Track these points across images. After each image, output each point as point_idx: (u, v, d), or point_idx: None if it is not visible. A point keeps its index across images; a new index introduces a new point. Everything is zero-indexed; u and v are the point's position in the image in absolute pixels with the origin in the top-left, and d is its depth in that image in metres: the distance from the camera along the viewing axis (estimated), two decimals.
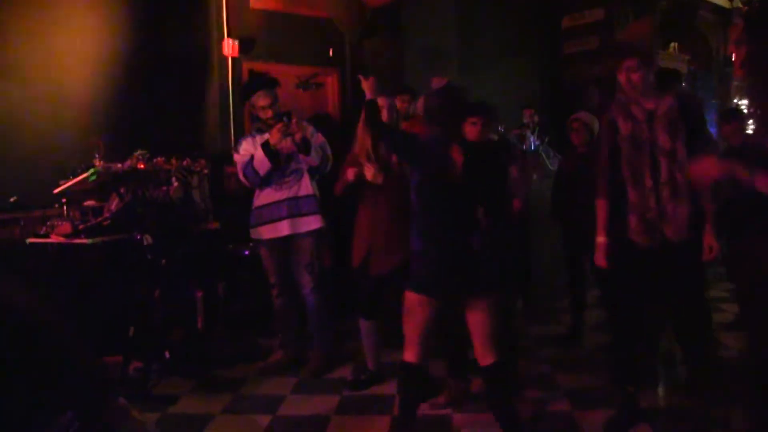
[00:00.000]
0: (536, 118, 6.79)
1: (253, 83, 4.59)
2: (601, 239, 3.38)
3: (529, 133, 6.65)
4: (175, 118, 5.50)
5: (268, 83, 4.49)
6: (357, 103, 5.29)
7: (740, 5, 9.23)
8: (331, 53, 6.43)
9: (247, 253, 5.11)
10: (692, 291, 3.37)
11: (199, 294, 4.75)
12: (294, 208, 4.34)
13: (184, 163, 4.75)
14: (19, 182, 4.76)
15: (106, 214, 4.44)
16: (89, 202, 4.59)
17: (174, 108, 5.53)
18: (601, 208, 3.41)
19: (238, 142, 4.56)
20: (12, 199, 4.65)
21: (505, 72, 7.28)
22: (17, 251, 4.38)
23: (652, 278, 3.32)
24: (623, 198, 3.29)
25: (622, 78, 3.28)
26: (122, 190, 4.43)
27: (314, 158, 4.26)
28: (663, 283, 3.32)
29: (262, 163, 4.23)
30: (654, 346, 3.61)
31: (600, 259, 3.39)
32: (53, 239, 4.31)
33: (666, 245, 3.22)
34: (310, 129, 4.38)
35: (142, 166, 4.45)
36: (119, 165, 4.41)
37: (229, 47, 5.86)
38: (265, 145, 4.19)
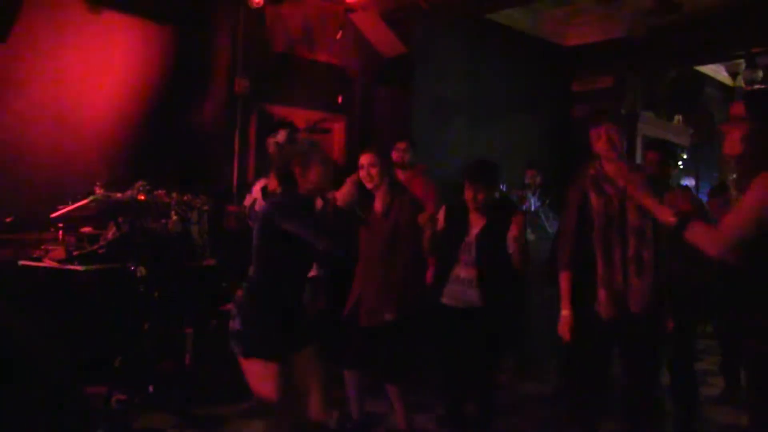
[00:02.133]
0: (538, 179, 6.81)
1: (276, 124, 4.66)
2: (565, 312, 3.43)
3: (530, 193, 6.66)
4: (181, 152, 5.51)
5: (289, 127, 4.57)
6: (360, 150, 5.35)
7: (742, 84, 9.38)
8: (340, 100, 6.49)
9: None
10: (649, 363, 3.42)
11: (189, 330, 4.71)
12: None
13: (185, 198, 4.76)
14: (17, 203, 4.73)
15: (102, 243, 4.42)
16: (86, 229, 4.57)
17: (181, 142, 5.54)
18: (565, 279, 3.46)
19: (254, 181, 4.57)
20: (8, 219, 4.63)
21: (512, 130, 7.37)
22: (9, 273, 4.35)
23: (610, 350, 3.39)
24: (591, 270, 3.34)
25: (600, 143, 3.36)
26: (120, 220, 4.43)
27: None
28: (624, 355, 3.39)
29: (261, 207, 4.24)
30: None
31: (564, 331, 3.42)
32: (46, 263, 4.29)
33: (629, 318, 3.28)
34: None
35: (142, 197, 4.45)
36: (119, 194, 4.40)
37: (241, 86, 5.91)
38: (264, 190, 4.21)
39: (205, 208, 4.88)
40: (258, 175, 5.23)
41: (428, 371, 4.85)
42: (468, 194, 3.82)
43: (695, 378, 4.09)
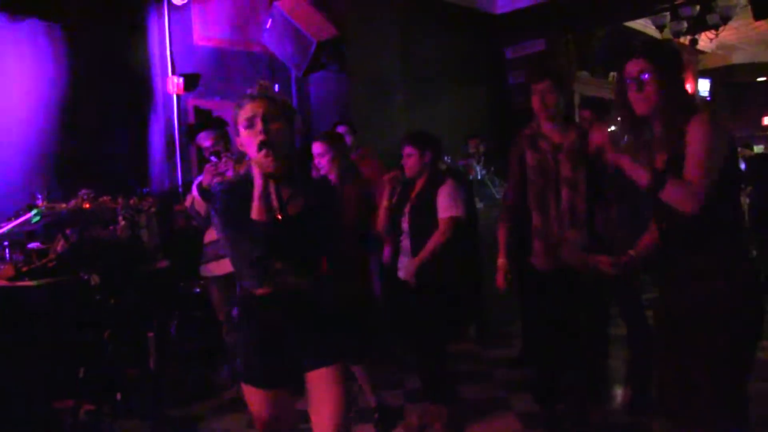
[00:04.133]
0: (482, 148, 6.92)
1: (197, 123, 4.64)
2: (501, 260, 3.59)
3: (474, 162, 6.77)
4: (121, 156, 5.46)
5: (214, 123, 4.55)
6: (303, 139, 5.37)
7: (670, 36, 9.62)
8: (276, 89, 6.45)
9: (198, 290, 5.07)
10: (588, 308, 3.53)
11: (151, 334, 4.69)
12: None
13: (131, 201, 4.72)
14: None
15: (52, 255, 4.37)
16: (33, 244, 4.51)
17: (120, 147, 5.49)
18: (502, 231, 3.64)
19: (193, 182, 4.57)
20: None
21: (451, 102, 7.43)
22: None
23: (553, 300, 3.51)
24: (528, 223, 3.49)
25: (535, 101, 3.48)
26: (68, 231, 4.38)
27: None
28: (563, 304, 3.50)
29: (200, 203, 4.23)
30: (595, 367, 3.74)
31: (500, 280, 3.57)
32: None
33: (563, 268, 3.41)
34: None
35: (87, 206, 4.42)
36: (64, 205, 4.36)
37: (174, 85, 5.86)
38: (199, 186, 4.22)
39: (153, 210, 4.85)
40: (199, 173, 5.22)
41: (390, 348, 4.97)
42: (406, 161, 3.95)
43: (647, 324, 4.27)
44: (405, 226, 3.93)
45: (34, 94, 5.24)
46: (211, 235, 4.43)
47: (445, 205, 3.83)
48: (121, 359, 4.40)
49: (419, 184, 3.95)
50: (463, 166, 6.64)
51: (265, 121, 2.34)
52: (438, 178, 3.96)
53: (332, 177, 4.06)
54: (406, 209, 3.95)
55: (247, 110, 2.39)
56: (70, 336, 4.22)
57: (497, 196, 6.30)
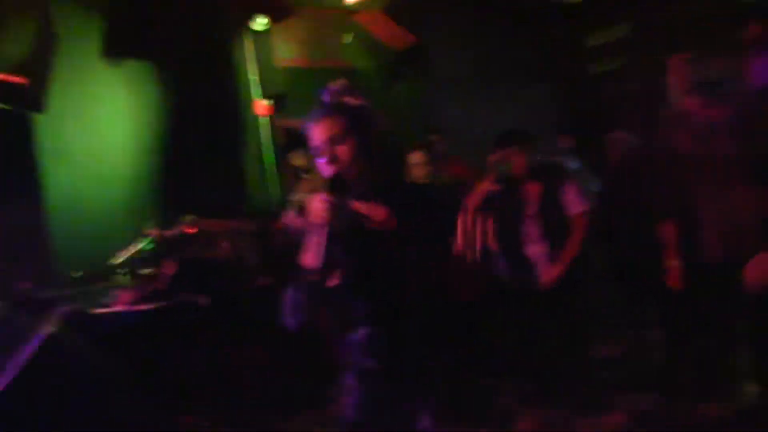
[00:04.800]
0: (571, 143, 6.81)
1: (288, 144, 4.78)
2: (675, 262, 3.28)
3: (565, 158, 6.67)
4: (220, 181, 5.71)
5: (305, 142, 4.69)
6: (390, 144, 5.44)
7: None
8: (355, 100, 6.57)
9: None
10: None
11: (259, 349, 4.87)
12: None
13: (232, 224, 4.94)
14: (80, 258, 5.02)
15: (163, 280, 4.63)
16: (146, 270, 4.79)
17: (218, 171, 5.75)
18: (670, 228, 3.27)
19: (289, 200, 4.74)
20: (76, 275, 4.90)
21: (532, 99, 7.35)
22: (83, 323, 4.58)
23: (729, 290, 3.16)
24: (691, 215, 3.14)
25: (676, 75, 3.22)
26: (176, 256, 4.64)
27: None
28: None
29: (296, 220, 4.38)
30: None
31: (675, 281, 3.29)
32: (117, 308, 4.51)
33: (737, 260, 3.08)
34: None
35: (192, 230, 4.65)
36: (170, 232, 4.61)
37: (262, 107, 6.08)
38: (294, 204, 4.36)
39: (253, 230, 5.05)
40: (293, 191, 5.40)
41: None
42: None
43: None
44: (531, 231, 3.70)
45: (137, 129, 5.59)
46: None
47: (576, 201, 3.62)
48: (233, 374, 4.62)
49: (533, 185, 3.73)
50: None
51: (331, 143, 2.11)
52: (556, 175, 3.79)
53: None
54: (530, 213, 3.72)
55: (312, 136, 2.19)
56: (185, 355, 4.45)
57: (593, 190, 6.18)
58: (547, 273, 3.63)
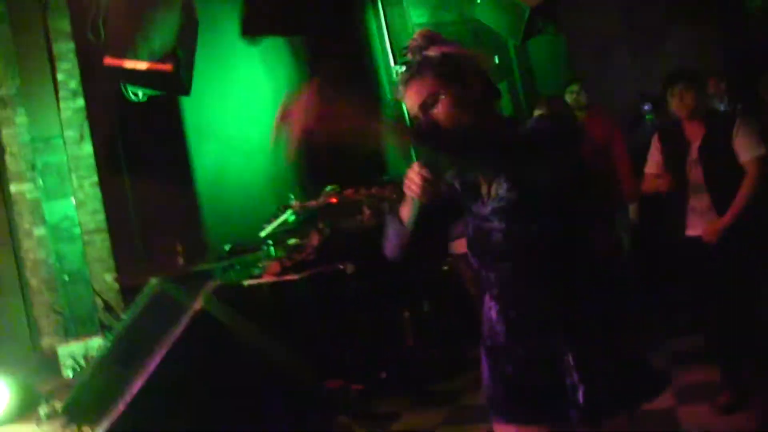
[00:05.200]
0: (723, 86, 6.30)
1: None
2: None
3: (718, 102, 6.19)
4: (358, 148, 5.76)
5: None
6: (530, 110, 5.27)
7: None
8: (497, 61, 6.44)
9: (446, 267, 5.20)
10: None
11: (406, 313, 4.91)
12: None
13: (373, 191, 4.97)
14: (230, 231, 5.26)
15: (309, 250, 4.74)
16: (293, 241, 4.93)
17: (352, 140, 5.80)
18: None
19: None
20: (227, 248, 5.13)
21: (680, 46, 6.87)
22: (238, 294, 4.79)
23: None
24: None
25: None
26: (320, 226, 4.74)
27: None
28: None
29: None
30: None
31: None
32: (266, 279, 4.68)
33: None
34: None
35: (334, 200, 4.74)
36: (314, 202, 4.72)
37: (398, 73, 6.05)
38: None
39: (394, 196, 5.06)
40: None
41: None
42: (674, 101, 3.33)
43: None
44: (696, 179, 3.33)
45: (278, 105, 5.74)
46: None
47: (750, 144, 3.21)
48: (382, 340, 4.69)
49: (698, 128, 3.35)
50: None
51: (426, 107, 1.79)
52: (723, 116, 3.48)
53: None
54: (694, 158, 3.34)
55: (407, 103, 1.86)
56: (333, 322, 4.56)
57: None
58: (713, 225, 3.29)
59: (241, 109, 5.70)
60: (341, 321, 4.57)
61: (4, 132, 5.26)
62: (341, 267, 4.57)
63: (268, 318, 4.53)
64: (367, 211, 4.81)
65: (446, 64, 1.79)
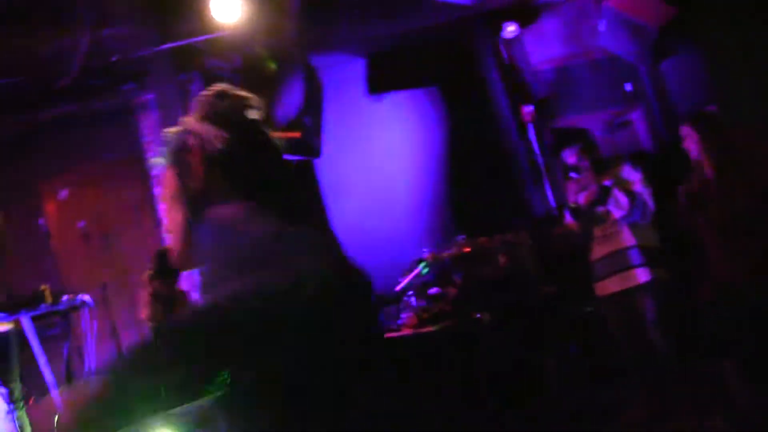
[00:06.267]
0: None
1: (557, 143, 4.63)
2: None
3: None
4: (489, 195, 5.71)
5: (573, 138, 4.51)
6: (669, 135, 4.97)
7: None
8: (631, 88, 6.17)
9: (590, 309, 4.98)
10: None
11: (550, 361, 4.73)
12: (619, 261, 4.17)
13: (507, 237, 4.88)
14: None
15: (445, 301, 4.72)
16: (433, 290, 4.91)
17: (486, 186, 5.76)
18: None
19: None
20: None
21: None
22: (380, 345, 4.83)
23: None
24: None
25: None
26: (455, 275, 4.71)
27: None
28: None
29: (573, 222, 4.21)
30: None
31: None
32: (404, 332, 4.69)
33: None
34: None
35: (467, 249, 4.69)
36: (447, 253, 4.69)
37: (527, 113, 5.96)
38: (567, 206, 4.17)
39: (529, 241, 4.95)
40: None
41: None
42: None
43: None
44: None
45: (409, 157, 5.86)
46: (601, 250, 4.33)
47: None
48: (524, 389, 4.54)
49: None
50: None
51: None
52: None
53: (704, 161, 3.69)
54: None
55: None
56: (472, 373, 4.48)
57: None
58: None
59: (375, 165, 5.84)
60: (481, 372, 4.48)
61: (160, 207, 5.68)
62: (478, 317, 4.51)
63: (406, 371, 4.53)
64: (502, 259, 4.73)
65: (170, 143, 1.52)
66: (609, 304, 4.31)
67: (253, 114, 1.53)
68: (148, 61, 4.86)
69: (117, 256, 5.29)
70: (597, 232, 4.25)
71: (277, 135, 4.25)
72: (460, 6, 5.26)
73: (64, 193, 5.20)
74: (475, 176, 5.76)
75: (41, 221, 4.91)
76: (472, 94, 6.01)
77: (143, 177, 5.53)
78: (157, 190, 5.51)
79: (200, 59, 4.87)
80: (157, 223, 5.56)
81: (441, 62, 5.77)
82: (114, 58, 4.72)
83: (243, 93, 1.55)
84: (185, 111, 5.35)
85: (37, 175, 5.40)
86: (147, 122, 5.50)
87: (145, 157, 5.50)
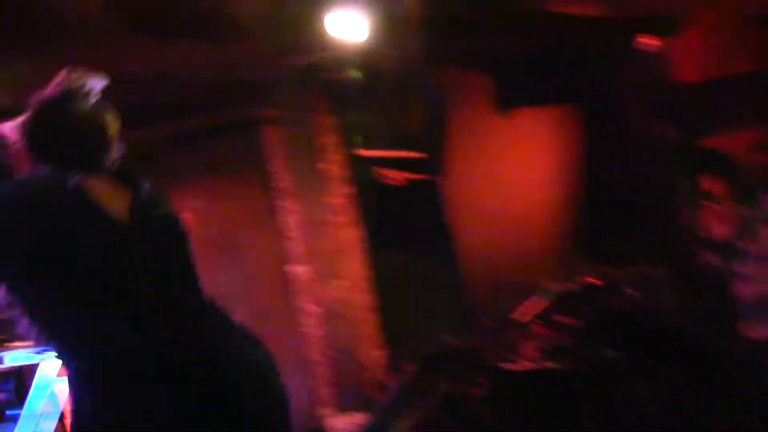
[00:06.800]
0: None
1: (697, 166, 4.31)
2: None
3: None
4: (624, 220, 5.38)
5: (715, 160, 4.19)
6: None
7: None
8: None
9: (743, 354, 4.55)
10: None
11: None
12: None
13: (643, 269, 4.57)
14: (498, 308, 5.16)
15: (569, 335, 4.43)
16: (552, 324, 4.64)
17: (618, 211, 5.42)
18: None
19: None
20: (490, 326, 5.01)
21: None
22: (493, 379, 4.62)
23: None
24: None
25: None
26: (582, 308, 4.41)
27: None
28: None
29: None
30: None
31: None
32: (522, 366, 4.43)
33: None
34: None
35: (595, 281, 4.40)
36: (573, 284, 4.43)
37: (667, 131, 5.56)
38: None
39: (666, 274, 4.59)
40: None
41: None
42: None
43: None
44: None
45: (543, 178, 5.63)
46: (749, 288, 3.93)
47: None
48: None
49: None
50: None
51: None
52: None
53: None
54: None
55: None
56: (603, 419, 4.17)
57: None
58: None
59: (503, 185, 5.65)
60: (614, 419, 4.16)
61: (284, 220, 5.75)
62: (609, 355, 4.19)
63: (525, 409, 4.28)
64: (634, 293, 4.39)
65: None
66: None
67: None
68: (272, 77, 4.93)
69: (241, 267, 5.42)
70: (744, 268, 3.87)
71: (398, 154, 4.16)
72: (595, 17, 4.95)
73: (192, 206, 5.33)
74: (609, 199, 5.43)
75: None
76: (608, 110, 5.66)
77: (268, 190, 5.65)
78: (280, 202, 5.61)
79: (324, 75, 4.88)
80: (281, 234, 5.65)
81: (574, 77, 5.48)
82: (240, 75, 4.80)
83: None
84: (309, 125, 5.42)
85: (168, 188, 5.60)
86: (271, 137, 5.59)
87: (269, 170, 5.61)
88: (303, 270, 5.69)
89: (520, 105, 5.59)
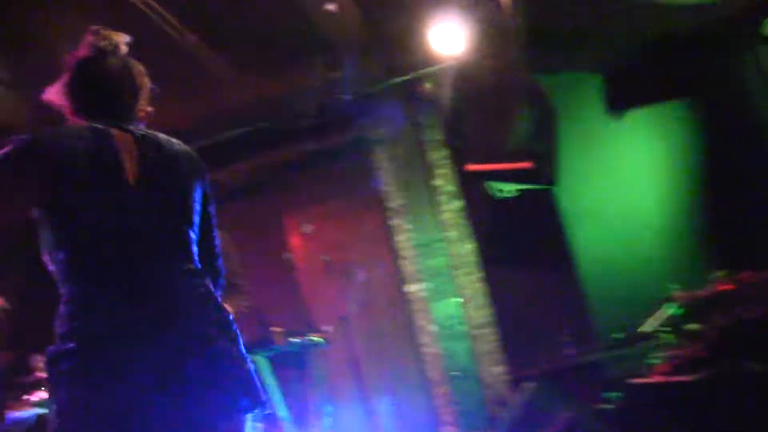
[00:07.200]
0: None
1: None
2: None
3: None
4: (753, 221, 5.01)
5: None
6: None
7: None
8: None
9: None
10: None
11: None
12: None
13: None
14: (616, 318, 4.94)
15: (702, 346, 4.15)
16: (682, 336, 4.38)
17: (750, 211, 5.06)
18: None
19: None
20: (618, 336, 4.81)
21: None
22: (621, 394, 4.40)
23: None
24: None
25: None
26: (713, 317, 4.13)
27: None
28: None
29: None
30: None
31: None
32: (652, 379, 4.20)
33: None
34: None
35: (729, 287, 4.11)
36: (703, 292, 4.16)
37: None
38: None
39: None
40: None
41: None
42: None
43: None
44: None
45: (661, 181, 5.39)
46: None
47: None
48: None
49: None
50: None
51: None
52: None
53: None
54: None
55: None
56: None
57: None
58: None
59: (618, 190, 5.42)
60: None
61: (397, 239, 5.76)
62: (747, 366, 3.89)
63: (656, 426, 4.05)
64: None
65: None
66: None
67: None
68: (377, 97, 4.97)
69: (357, 288, 5.47)
70: None
71: (506, 166, 4.08)
72: (710, 7, 4.67)
73: (308, 228, 5.44)
74: (735, 200, 5.08)
75: (287, 255, 5.20)
76: (730, 106, 5.33)
77: (380, 209, 5.69)
78: (394, 222, 5.63)
79: (427, 90, 4.87)
80: (395, 253, 5.67)
81: (691, 72, 5.19)
82: (347, 96, 4.88)
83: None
84: (418, 143, 5.42)
85: (283, 210, 5.76)
86: (381, 156, 5.64)
87: (381, 189, 5.64)
88: (418, 288, 5.68)
89: (633, 104, 5.36)
